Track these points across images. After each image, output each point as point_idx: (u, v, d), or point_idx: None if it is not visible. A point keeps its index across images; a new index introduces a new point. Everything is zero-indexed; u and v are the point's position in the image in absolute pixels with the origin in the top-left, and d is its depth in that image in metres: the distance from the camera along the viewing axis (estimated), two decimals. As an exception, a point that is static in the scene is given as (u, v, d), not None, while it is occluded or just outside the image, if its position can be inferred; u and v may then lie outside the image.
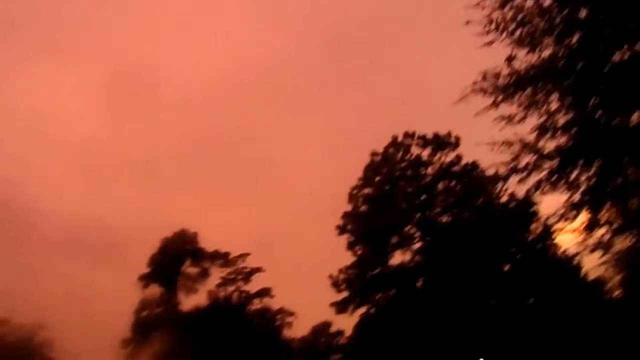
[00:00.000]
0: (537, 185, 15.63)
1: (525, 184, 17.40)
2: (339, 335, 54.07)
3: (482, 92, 15.92)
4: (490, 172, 31.92)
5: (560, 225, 17.22)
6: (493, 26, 16.74)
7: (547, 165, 15.58)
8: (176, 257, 54.53)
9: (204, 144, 78.93)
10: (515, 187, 31.09)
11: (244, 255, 54.71)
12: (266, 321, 52.03)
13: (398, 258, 33.22)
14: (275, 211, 70.94)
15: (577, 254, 33.41)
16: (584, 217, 16.43)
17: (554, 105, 17.22)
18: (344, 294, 34.09)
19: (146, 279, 52.92)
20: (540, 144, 16.29)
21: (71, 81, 77.98)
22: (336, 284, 34.30)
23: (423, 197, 32.32)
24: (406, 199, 32.76)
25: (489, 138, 17.70)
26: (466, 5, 15.62)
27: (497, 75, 17.13)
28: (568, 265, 34.67)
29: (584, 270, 33.85)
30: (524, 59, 17.38)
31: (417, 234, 32.90)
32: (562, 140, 16.92)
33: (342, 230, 34.41)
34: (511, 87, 16.42)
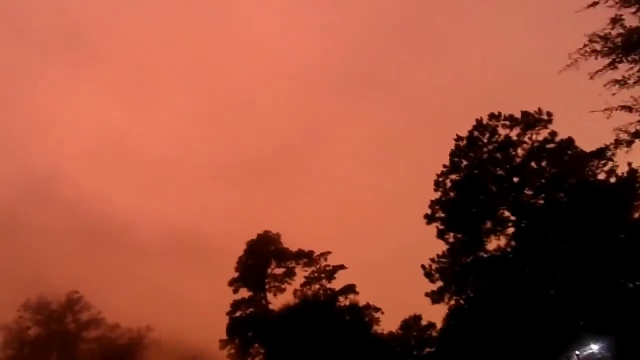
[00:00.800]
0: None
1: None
2: (430, 328, 53.19)
3: (594, 54, 15.26)
4: (588, 146, 30.73)
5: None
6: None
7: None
8: (262, 259, 55.86)
9: (271, 146, 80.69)
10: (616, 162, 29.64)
11: (325, 254, 55.30)
12: (354, 317, 52.02)
13: (493, 244, 32.10)
14: (348, 206, 71.10)
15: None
16: None
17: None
18: (439, 284, 33.41)
19: (236, 283, 54.61)
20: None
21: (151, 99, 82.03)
22: (429, 274, 33.73)
23: (515, 179, 31.02)
24: (497, 182, 31.64)
25: (584, 110, 16.94)
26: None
27: (605, 37, 16.31)
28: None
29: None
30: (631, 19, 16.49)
31: (511, 218, 31.65)
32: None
33: (430, 218, 33.80)
34: (627, 46, 15.59)
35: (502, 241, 32.34)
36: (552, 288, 33.97)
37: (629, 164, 30.72)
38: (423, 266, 34.22)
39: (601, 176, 32.64)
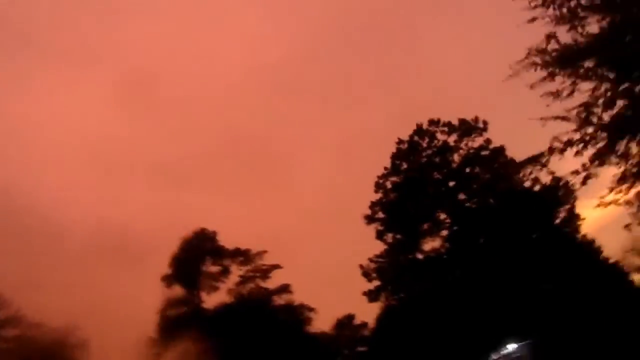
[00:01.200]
0: (594, 158, 16.01)
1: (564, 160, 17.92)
2: (363, 328, 54.35)
3: (533, 66, 16.37)
4: (517, 154, 32.70)
5: (609, 198, 17.63)
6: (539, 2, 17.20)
7: (601, 137, 15.99)
8: (197, 256, 54.80)
9: (215, 142, 79.12)
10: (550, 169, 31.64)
11: (261, 253, 55.11)
12: (289, 317, 52.23)
13: (429, 245, 33.38)
14: (288, 207, 71.16)
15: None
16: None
17: (600, 80, 17.62)
18: (376, 283, 34.30)
19: (169, 279, 53.21)
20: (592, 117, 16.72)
21: (85, 82, 78.24)
22: (367, 274, 34.56)
23: (451, 183, 32.48)
24: (434, 186, 32.98)
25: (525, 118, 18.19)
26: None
27: (543, 51, 17.54)
28: (589, 248, 34.73)
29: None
30: (565, 35, 17.82)
31: (447, 221, 33.08)
32: (610, 113, 17.33)
33: (370, 219, 34.65)
34: (561, 61, 16.82)
35: (437, 243, 33.68)
36: (481, 289, 35.76)
37: (552, 173, 33.01)
38: (361, 266, 35.03)
39: (528, 184, 34.85)
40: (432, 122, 34.19)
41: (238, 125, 79.83)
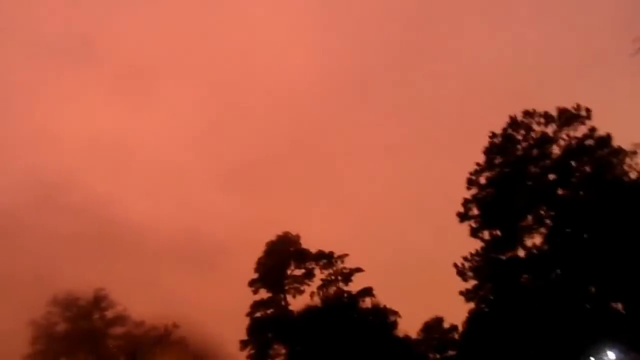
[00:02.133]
0: None
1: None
2: (453, 331, 52.81)
3: None
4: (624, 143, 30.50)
5: None
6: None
7: None
8: (281, 260, 55.53)
9: (281, 146, 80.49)
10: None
11: (342, 256, 54.94)
12: (376, 319, 51.61)
13: (528, 242, 31.81)
14: (363, 208, 70.90)
15: None
16: None
17: None
18: (472, 282, 33.13)
19: (255, 284, 54.26)
20: None
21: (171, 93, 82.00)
22: (462, 272, 33.46)
23: (551, 176, 30.80)
24: (533, 180, 31.44)
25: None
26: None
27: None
28: None
29: None
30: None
31: (548, 215, 31.38)
32: None
33: (463, 217, 33.56)
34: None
35: (538, 239, 32.03)
36: (582, 290, 33.60)
37: None
38: (456, 265, 33.98)
39: (633, 175, 32.43)
40: (527, 113, 32.68)
41: (300, 131, 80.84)
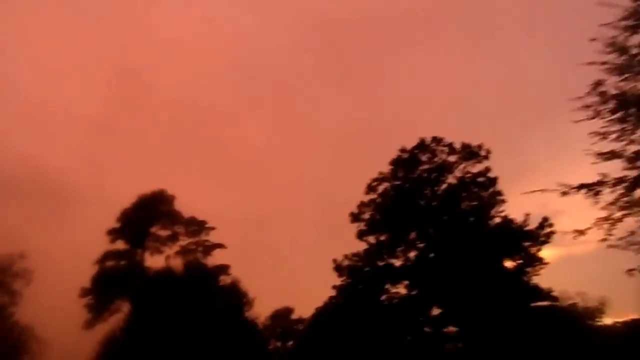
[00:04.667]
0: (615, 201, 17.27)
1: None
2: (299, 323, 54.71)
3: (587, 107, 17.63)
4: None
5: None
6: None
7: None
8: (150, 216, 52.98)
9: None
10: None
11: (209, 228, 54.15)
12: (233, 296, 51.47)
13: (407, 254, 34.28)
14: (251, 195, 70.77)
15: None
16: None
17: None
18: (345, 280, 34.76)
19: (115, 233, 51.10)
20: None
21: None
22: (339, 269, 34.95)
23: (436, 203, 33.70)
24: (426, 200, 34.09)
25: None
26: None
27: (602, 94, 18.90)
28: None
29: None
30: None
31: (429, 236, 34.19)
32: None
33: (355, 218, 35.15)
34: (617, 106, 18.21)
35: (413, 254, 34.66)
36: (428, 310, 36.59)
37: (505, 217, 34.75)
38: (335, 260, 35.38)
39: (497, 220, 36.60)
40: (434, 139, 35.38)
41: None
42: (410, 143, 34.94)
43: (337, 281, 34.29)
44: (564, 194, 17.36)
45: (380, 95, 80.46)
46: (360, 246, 34.86)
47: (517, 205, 33.74)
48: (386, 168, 35.14)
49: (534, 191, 17.58)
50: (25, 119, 67.19)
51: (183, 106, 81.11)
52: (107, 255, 50.45)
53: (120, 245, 51.50)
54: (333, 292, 34.40)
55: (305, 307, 51.60)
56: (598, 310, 37.96)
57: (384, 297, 35.93)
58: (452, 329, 36.44)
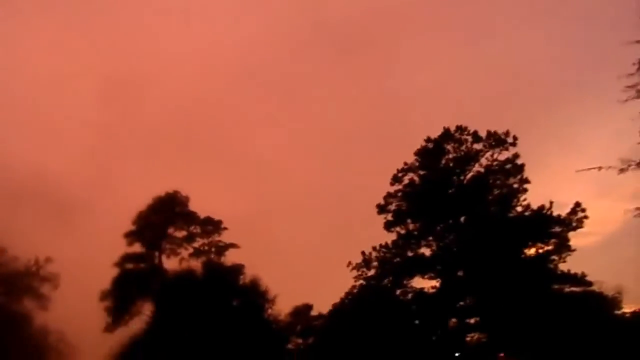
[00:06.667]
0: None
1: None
2: (319, 319, 54.23)
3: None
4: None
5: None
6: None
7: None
8: (165, 218, 52.71)
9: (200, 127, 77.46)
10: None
11: (222, 229, 53.84)
12: (254, 295, 51.21)
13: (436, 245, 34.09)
14: (260, 194, 70.50)
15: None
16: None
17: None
18: (373, 272, 34.57)
19: (132, 236, 50.84)
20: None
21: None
22: (367, 261, 34.76)
23: (470, 190, 33.51)
24: (455, 189, 33.90)
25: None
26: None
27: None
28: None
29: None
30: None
31: (459, 225, 33.98)
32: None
33: (382, 209, 34.95)
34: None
35: (442, 244, 34.41)
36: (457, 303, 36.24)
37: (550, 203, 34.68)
38: (363, 252, 35.19)
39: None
40: (459, 128, 35.21)
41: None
42: (422, 136, 34.73)
43: (349, 277, 33.99)
44: (622, 170, 17.20)
45: (390, 90, 79.81)
46: (368, 244, 34.60)
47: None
48: (399, 164, 34.92)
49: (590, 169, 17.35)
50: (27, 126, 66.48)
51: (187, 108, 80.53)
52: (126, 258, 50.09)
53: (137, 247, 51.17)
54: (347, 288, 34.05)
55: (321, 304, 51.29)
56: (616, 299, 37.68)
57: (410, 288, 35.76)
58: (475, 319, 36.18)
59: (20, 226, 44.41)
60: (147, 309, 48.79)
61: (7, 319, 36.99)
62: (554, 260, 34.86)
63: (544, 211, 33.53)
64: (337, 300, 40.03)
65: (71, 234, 51.76)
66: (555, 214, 33.67)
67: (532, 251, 35.58)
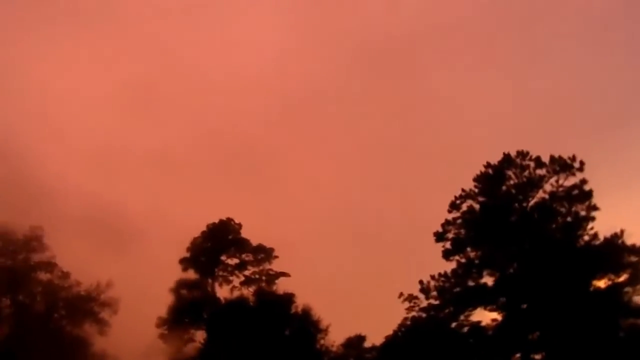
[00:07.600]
0: None
1: None
2: (373, 351, 52.90)
3: None
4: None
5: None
6: None
7: None
8: (219, 245, 53.32)
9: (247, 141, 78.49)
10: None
11: (272, 257, 53.80)
12: (305, 325, 50.65)
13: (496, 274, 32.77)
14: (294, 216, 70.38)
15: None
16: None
17: None
18: (433, 302, 33.47)
19: (186, 262, 51.64)
20: None
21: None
22: (426, 291, 33.75)
23: (533, 216, 32.21)
24: (518, 216, 32.68)
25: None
26: None
27: None
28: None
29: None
30: None
31: (524, 253, 32.58)
32: None
33: (440, 237, 34.04)
34: None
35: (504, 274, 33.03)
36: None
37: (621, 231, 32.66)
38: (421, 282, 34.26)
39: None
40: (520, 153, 34.14)
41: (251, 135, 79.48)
42: (481, 162, 33.80)
43: (401, 309, 32.94)
44: None
45: (444, 114, 78.93)
46: (425, 271, 33.49)
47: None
48: (456, 190, 33.99)
49: None
50: (80, 154, 69.07)
51: (230, 136, 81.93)
52: (181, 284, 50.77)
53: (191, 274, 51.89)
54: (399, 320, 32.99)
55: (374, 334, 49.98)
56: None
57: (467, 321, 34.41)
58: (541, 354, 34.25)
59: (82, 253, 45.77)
60: (200, 337, 49.35)
61: (67, 342, 37.91)
62: (627, 292, 32.85)
63: (615, 239, 31.75)
64: (389, 331, 38.98)
65: (129, 261, 52.94)
66: (628, 242, 31.84)
67: (602, 282, 33.89)
